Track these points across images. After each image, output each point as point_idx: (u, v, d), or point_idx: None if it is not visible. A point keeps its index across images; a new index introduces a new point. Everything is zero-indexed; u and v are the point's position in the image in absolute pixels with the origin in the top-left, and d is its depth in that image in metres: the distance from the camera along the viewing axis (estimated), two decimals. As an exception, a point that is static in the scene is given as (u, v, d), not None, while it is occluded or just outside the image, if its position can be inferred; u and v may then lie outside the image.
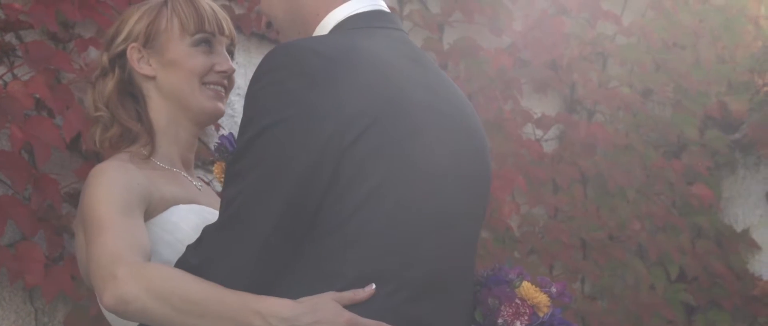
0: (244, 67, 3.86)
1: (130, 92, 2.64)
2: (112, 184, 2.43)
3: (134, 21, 2.63)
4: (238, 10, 3.88)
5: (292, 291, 2.21)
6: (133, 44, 2.62)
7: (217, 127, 3.47)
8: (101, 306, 2.32)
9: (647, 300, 4.86)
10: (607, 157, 4.90)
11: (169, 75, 2.61)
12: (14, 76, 3.33)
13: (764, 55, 5.36)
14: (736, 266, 5.14)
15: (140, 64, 2.62)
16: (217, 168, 2.59)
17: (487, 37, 4.66)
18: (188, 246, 2.28)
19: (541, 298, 2.39)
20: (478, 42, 4.59)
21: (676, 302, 4.96)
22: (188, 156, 2.67)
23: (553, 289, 2.42)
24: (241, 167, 2.23)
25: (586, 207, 4.83)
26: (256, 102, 2.24)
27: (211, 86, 2.63)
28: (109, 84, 2.63)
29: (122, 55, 2.63)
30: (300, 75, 2.21)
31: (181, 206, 2.51)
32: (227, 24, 2.67)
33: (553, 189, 4.79)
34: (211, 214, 2.47)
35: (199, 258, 2.24)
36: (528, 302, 2.38)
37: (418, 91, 2.32)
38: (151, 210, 2.47)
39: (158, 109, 2.63)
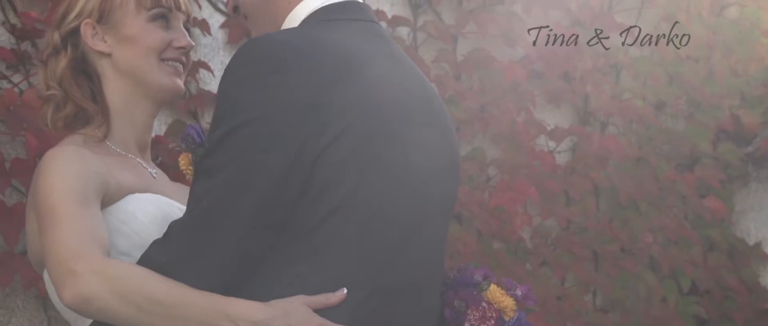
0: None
1: (84, 71, 2.53)
2: (67, 172, 2.31)
3: None
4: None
5: (258, 294, 2.12)
6: (87, 20, 2.51)
7: None
8: (60, 302, 2.23)
9: (659, 313, 4.85)
10: (619, 170, 4.90)
11: (125, 51, 2.50)
12: (30, 85, 3.34)
13: (777, 68, 5.36)
14: (748, 279, 5.13)
15: (95, 40, 2.51)
16: (183, 159, 2.47)
17: (500, 49, 4.66)
18: (154, 243, 2.18)
19: (507, 302, 2.35)
20: (492, 53, 4.59)
21: (688, 315, 4.94)
22: (145, 138, 2.56)
23: (519, 292, 2.38)
24: (213, 163, 2.11)
25: (598, 219, 4.82)
26: (230, 96, 2.12)
27: (170, 62, 2.52)
28: (62, 62, 2.51)
29: (75, 32, 2.52)
30: (278, 71, 2.10)
31: (137, 195, 2.41)
32: (183, 0, 2.58)
33: (565, 202, 4.79)
34: (167, 204, 2.40)
35: (167, 257, 2.13)
36: (494, 306, 2.34)
37: (393, 89, 2.22)
38: (107, 199, 2.37)
39: (114, 88, 2.52)
